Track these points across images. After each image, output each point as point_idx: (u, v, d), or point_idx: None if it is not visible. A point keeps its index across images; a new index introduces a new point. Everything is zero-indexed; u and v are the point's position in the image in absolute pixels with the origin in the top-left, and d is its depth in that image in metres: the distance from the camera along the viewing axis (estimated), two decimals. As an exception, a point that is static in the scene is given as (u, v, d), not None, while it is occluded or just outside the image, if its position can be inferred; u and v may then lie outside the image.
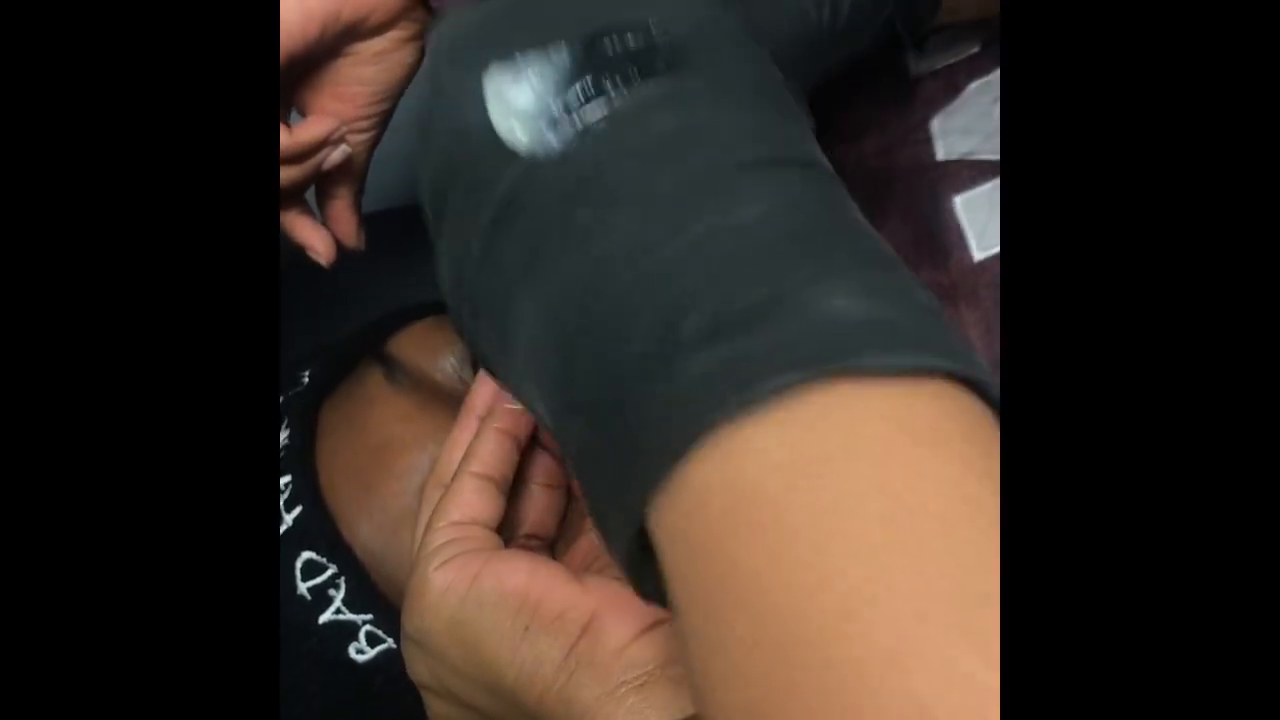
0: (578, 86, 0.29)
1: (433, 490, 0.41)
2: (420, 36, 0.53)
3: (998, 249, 0.48)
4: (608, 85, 0.29)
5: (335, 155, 0.53)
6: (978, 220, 0.49)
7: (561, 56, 0.29)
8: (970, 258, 0.49)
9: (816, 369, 0.24)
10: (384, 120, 0.54)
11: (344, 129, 0.53)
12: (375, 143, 0.55)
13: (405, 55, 0.52)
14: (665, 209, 0.27)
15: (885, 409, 0.24)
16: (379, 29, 0.51)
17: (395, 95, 0.54)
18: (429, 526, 0.39)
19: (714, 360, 0.24)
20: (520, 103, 0.29)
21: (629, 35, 0.29)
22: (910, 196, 0.52)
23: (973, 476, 0.24)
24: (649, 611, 0.33)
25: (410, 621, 0.38)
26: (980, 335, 0.48)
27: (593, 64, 0.29)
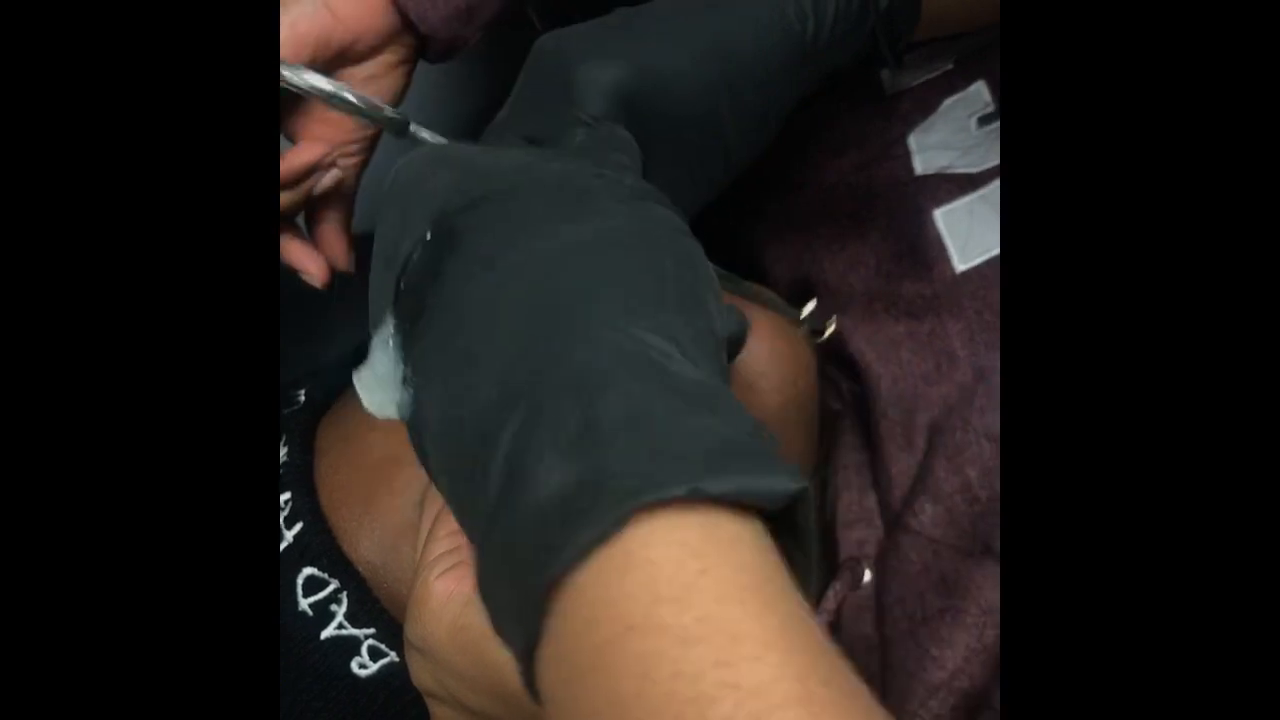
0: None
1: (432, 501, 0.42)
2: (409, 60, 0.54)
3: (980, 260, 0.50)
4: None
5: (326, 180, 0.54)
6: (959, 233, 0.50)
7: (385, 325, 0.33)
8: (952, 269, 0.50)
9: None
10: (373, 144, 0.55)
11: (334, 154, 0.53)
12: (364, 166, 0.56)
13: (394, 79, 0.53)
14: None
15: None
16: (368, 54, 0.52)
17: (384, 119, 0.55)
18: (430, 536, 0.40)
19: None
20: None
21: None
22: (891, 211, 0.53)
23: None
24: None
25: (413, 630, 0.39)
26: (963, 345, 0.49)
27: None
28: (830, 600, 0.48)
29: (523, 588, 0.27)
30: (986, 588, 0.45)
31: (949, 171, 0.53)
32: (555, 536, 0.26)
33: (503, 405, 0.28)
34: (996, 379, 0.47)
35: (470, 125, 0.58)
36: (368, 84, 0.53)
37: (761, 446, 0.27)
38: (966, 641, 0.46)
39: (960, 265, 0.50)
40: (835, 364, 0.53)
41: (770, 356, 0.48)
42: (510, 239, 0.30)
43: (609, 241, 0.30)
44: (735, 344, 0.33)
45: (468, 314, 0.30)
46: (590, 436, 0.26)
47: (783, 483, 0.27)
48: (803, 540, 0.28)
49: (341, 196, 0.55)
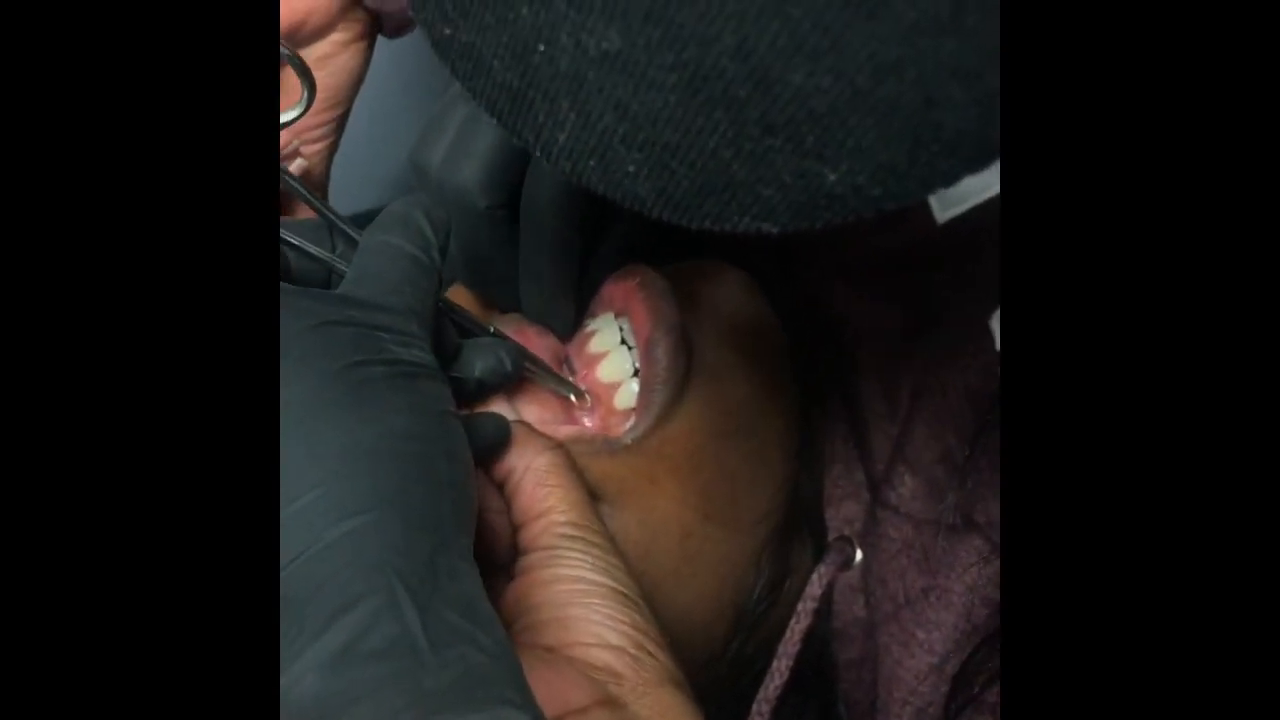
0: None
1: None
2: (364, 37, 0.52)
3: (962, 209, 0.46)
4: None
5: (291, 168, 0.52)
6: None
7: None
8: (932, 220, 0.46)
9: None
10: (338, 127, 0.53)
11: (297, 142, 0.52)
12: (333, 150, 0.54)
13: (349, 58, 0.52)
14: None
15: None
16: (319, 33, 0.50)
17: (346, 100, 0.53)
18: None
19: None
20: None
21: None
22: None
23: None
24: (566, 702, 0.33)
25: None
26: (946, 298, 0.45)
27: None
28: (815, 585, 0.45)
29: None
30: (972, 564, 0.42)
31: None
32: None
33: None
34: (980, 334, 0.43)
35: (432, 102, 0.56)
36: (322, 64, 0.51)
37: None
38: (954, 623, 0.42)
39: (941, 215, 0.46)
40: (816, 328, 0.50)
41: (738, 347, 0.45)
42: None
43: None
44: None
45: None
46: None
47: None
48: None
49: (311, 184, 0.54)
